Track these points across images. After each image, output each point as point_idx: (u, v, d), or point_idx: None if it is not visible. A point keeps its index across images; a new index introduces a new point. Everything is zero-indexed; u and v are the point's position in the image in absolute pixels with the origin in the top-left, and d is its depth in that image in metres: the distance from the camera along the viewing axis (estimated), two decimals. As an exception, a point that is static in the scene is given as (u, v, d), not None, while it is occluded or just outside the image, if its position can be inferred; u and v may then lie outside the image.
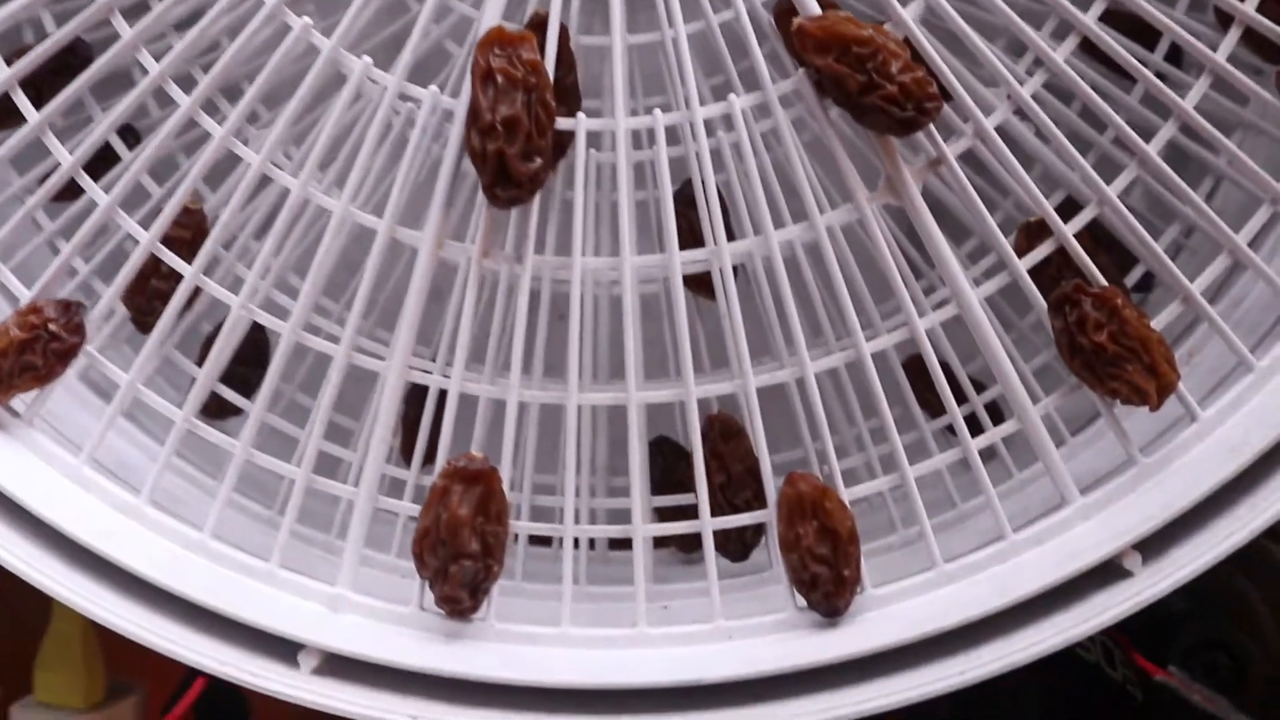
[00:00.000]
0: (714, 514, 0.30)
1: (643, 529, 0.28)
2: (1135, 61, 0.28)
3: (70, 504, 0.29)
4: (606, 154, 0.29)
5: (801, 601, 0.28)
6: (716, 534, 0.30)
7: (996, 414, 0.30)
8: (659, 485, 0.33)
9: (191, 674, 0.33)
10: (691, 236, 0.28)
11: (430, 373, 0.29)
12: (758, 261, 0.30)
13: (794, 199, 0.29)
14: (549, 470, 0.32)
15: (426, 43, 0.34)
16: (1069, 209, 0.28)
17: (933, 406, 0.31)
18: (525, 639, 0.28)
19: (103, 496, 0.29)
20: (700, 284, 0.30)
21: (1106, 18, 0.31)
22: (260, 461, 0.29)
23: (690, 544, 0.33)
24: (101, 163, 0.31)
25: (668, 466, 0.33)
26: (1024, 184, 0.27)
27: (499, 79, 0.26)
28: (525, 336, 0.28)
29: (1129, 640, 0.36)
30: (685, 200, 0.29)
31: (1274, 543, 0.40)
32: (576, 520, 0.30)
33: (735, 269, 0.29)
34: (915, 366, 0.30)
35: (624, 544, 0.30)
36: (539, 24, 0.28)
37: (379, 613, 0.28)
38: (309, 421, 0.29)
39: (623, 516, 0.29)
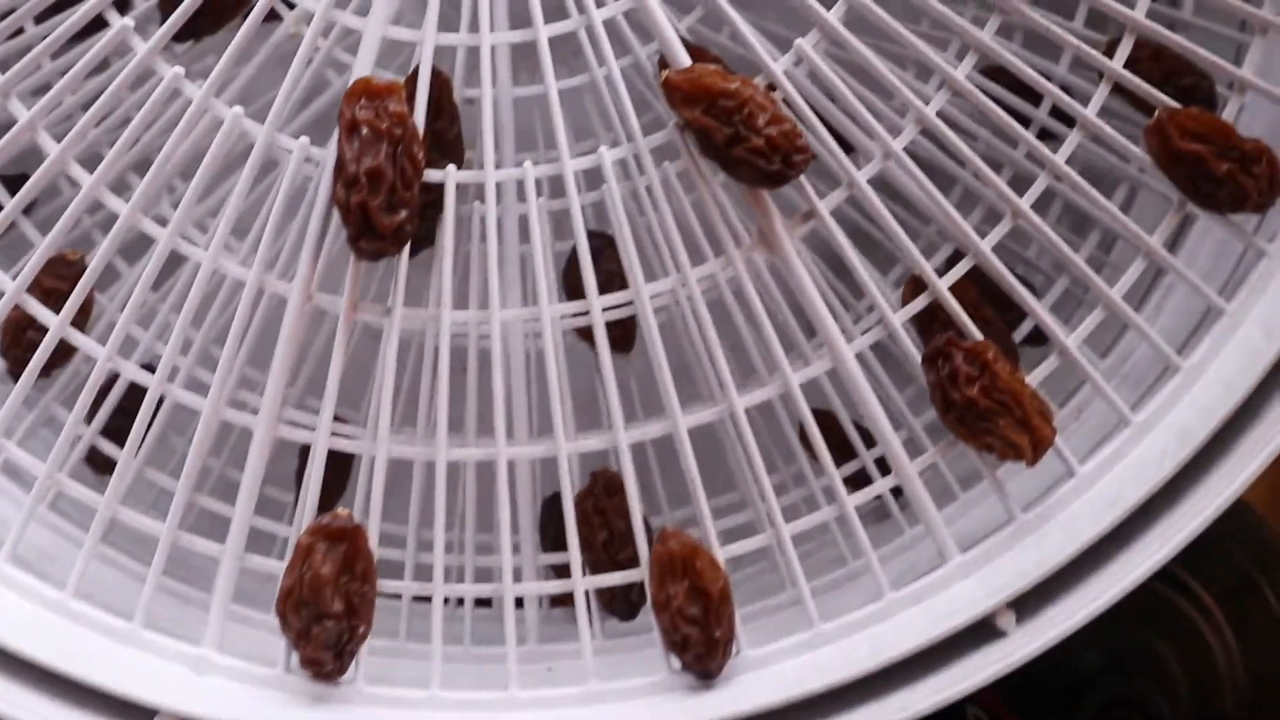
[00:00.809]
0: (596, 570, 0.29)
1: (512, 588, 0.28)
2: (1009, 118, 0.28)
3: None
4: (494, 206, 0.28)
5: (677, 663, 0.27)
6: (602, 592, 0.30)
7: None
8: (553, 543, 0.32)
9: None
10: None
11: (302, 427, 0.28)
12: (642, 317, 0.29)
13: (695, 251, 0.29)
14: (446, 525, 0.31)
15: (326, 98, 0.35)
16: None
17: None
18: (392, 703, 0.27)
19: (-42, 555, 0.28)
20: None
21: (994, 75, 0.31)
22: (124, 518, 0.28)
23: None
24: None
25: (562, 523, 0.33)
26: (893, 235, 0.27)
27: (364, 130, 0.26)
28: (402, 391, 0.28)
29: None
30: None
31: (1189, 601, 0.40)
32: (452, 579, 0.29)
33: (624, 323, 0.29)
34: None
35: (521, 602, 0.30)
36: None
37: (243, 675, 0.27)
38: (182, 476, 0.29)
39: (516, 576, 0.29)
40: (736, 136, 0.25)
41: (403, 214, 0.26)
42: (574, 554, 0.28)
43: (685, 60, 0.26)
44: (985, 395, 0.26)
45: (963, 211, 0.34)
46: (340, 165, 0.26)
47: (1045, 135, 0.32)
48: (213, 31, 0.31)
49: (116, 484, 0.28)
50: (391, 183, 0.25)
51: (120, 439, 0.30)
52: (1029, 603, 0.27)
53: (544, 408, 0.29)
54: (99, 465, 0.32)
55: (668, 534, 0.27)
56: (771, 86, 0.26)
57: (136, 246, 0.29)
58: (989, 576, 0.27)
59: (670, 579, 0.26)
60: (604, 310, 0.27)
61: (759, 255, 0.27)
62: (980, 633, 0.27)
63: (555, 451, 0.27)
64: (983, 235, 0.28)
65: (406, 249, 0.26)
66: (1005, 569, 0.27)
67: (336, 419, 0.33)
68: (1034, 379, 0.27)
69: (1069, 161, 0.28)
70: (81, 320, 0.30)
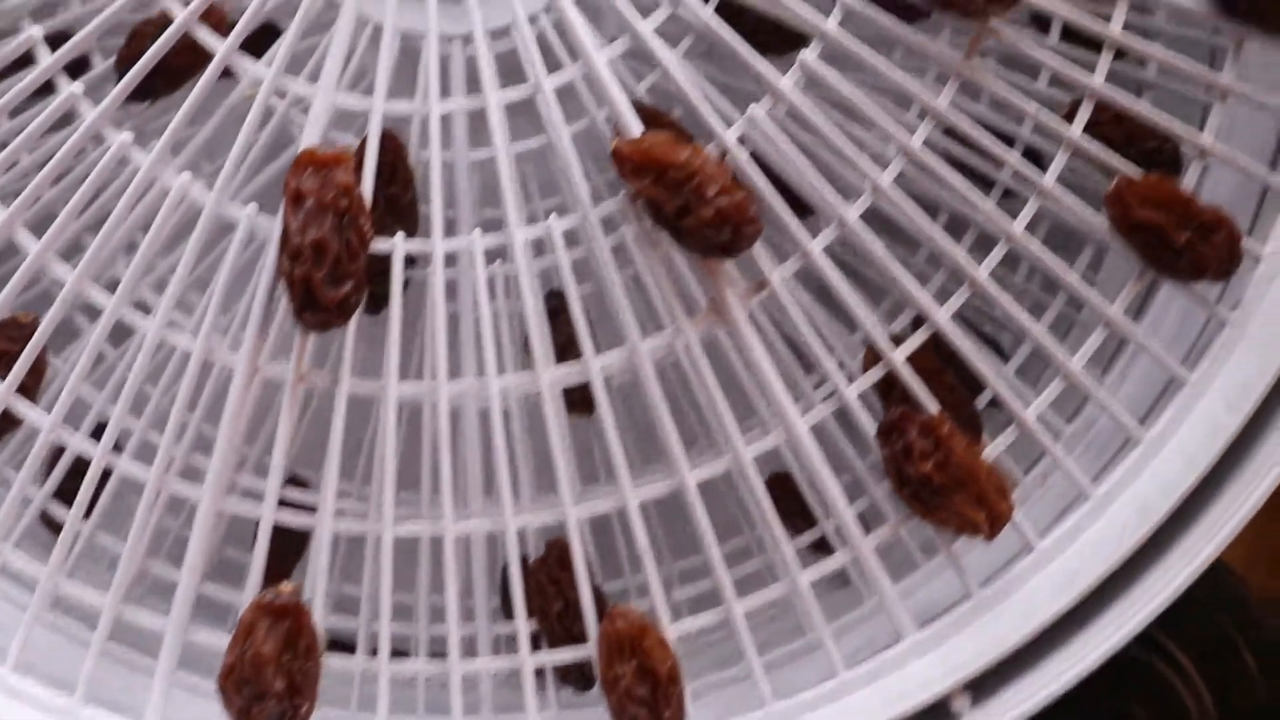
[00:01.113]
0: (553, 641, 0.29)
1: (459, 666, 0.27)
2: (965, 185, 0.27)
3: None
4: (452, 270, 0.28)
5: (626, 743, 0.26)
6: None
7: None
8: (511, 611, 0.32)
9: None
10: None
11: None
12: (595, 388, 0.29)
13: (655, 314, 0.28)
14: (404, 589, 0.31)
15: (288, 156, 0.34)
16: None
17: (796, 528, 0.30)
18: (334, 782, 0.27)
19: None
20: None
21: (957, 134, 0.30)
22: (67, 590, 0.28)
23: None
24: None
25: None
26: (849, 305, 0.27)
27: (309, 202, 0.25)
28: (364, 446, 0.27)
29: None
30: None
31: (1166, 664, 0.39)
32: (409, 653, 0.29)
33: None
34: (775, 490, 0.29)
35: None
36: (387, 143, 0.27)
37: (184, 753, 0.27)
38: (125, 549, 0.28)
39: (469, 646, 0.28)
40: (686, 208, 0.25)
41: (348, 286, 0.25)
42: (522, 631, 0.27)
43: (636, 129, 0.26)
44: (940, 471, 0.26)
45: (930, 269, 0.34)
46: (285, 237, 0.25)
47: (1014, 194, 0.32)
48: (169, 92, 0.30)
49: (59, 557, 0.28)
50: (336, 255, 0.25)
51: (74, 501, 0.30)
52: (986, 683, 0.26)
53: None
54: (55, 526, 0.31)
55: (615, 613, 0.26)
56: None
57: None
58: (945, 655, 0.26)
59: (618, 659, 0.26)
60: (556, 379, 0.27)
61: (707, 326, 0.27)
62: (935, 714, 0.26)
63: (501, 526, 0.27)
64: (950, 293, 0.27)
65: (353, 321, 0.26)
66: (962, 648, 0.26)
67: (298, 483, 0.33)
68: (993, 451, 0.27)
69: (1037, 220, 0.27)
70: (34, 382, 0.30)
